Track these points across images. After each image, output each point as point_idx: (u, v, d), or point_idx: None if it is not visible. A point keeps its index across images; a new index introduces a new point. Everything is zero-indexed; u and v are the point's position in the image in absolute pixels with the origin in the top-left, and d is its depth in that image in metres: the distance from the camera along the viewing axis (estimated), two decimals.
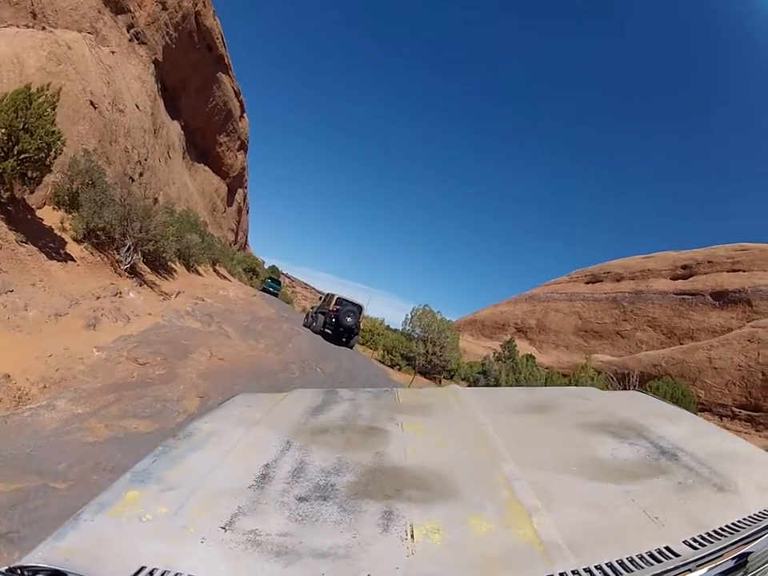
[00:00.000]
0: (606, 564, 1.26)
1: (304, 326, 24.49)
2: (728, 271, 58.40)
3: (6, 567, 1.29)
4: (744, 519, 1.48)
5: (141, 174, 24.59)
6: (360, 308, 23.41)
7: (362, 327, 27.25)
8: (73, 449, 6.15)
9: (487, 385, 34.34)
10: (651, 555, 1.30)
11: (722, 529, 1.42)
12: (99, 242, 16.17)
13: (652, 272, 68.97)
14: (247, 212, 79.14)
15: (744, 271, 56.65)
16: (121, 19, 27.16)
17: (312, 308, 27.51)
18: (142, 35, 29.12)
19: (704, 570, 1.26)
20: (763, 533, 1.40)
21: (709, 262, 61.60)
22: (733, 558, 1.30)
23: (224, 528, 1.41)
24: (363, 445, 1.99)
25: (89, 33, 23.58)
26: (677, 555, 1.29)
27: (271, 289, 47.02)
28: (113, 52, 25.54)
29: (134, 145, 23.88)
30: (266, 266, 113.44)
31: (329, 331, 22.41)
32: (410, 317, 40.03)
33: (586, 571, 1.24)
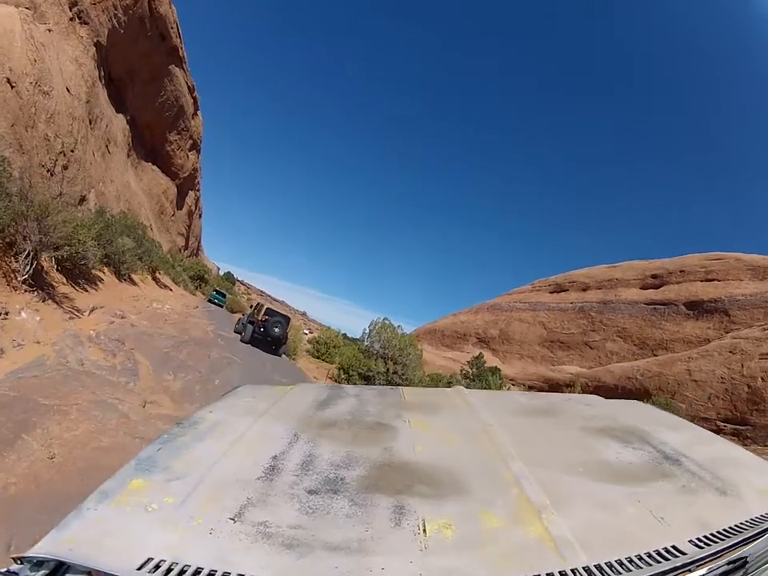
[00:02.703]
0: (616, 561, 1.28)
1: (235, 332, 24.68)
2: (702, 281, 57.64)
3: (12, 558, 1.24)
4: (745, 522, 1.53)
5: (65, 167, 21.24)
6: (288, 319, 24.51)
7: (315, 338, 30.22)
8: None
9: None
10: (659, 553, 1.32)
11: (725, 530, 1.46)
12: None
13: (620, 281, 67.88)
14: (200, 216, 75.58)
15: (719, 280, 55.87)
16: None
17: (243, 315, 27.24)
18: (85, 14, 25.89)
19: (708, 569, 1.30)
20: (763, 535, 1.46)
21: (681, 271, 60.79)
22: (734, 558, 1.35)
23: (233, 519, 1.38)
24: (371, 440, 1.96)
25: (27, 8, 20.63)
26: (683, 554, 1.33)
27: (216, 301, 46.09)
28: (49, 30, 22.28)
29: (59, 133, 20.57)
30: (222, 273, 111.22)
31: (258, 339, 22.98)
32: (368, 331, 37.32)
33: (597, 568, 1.25)
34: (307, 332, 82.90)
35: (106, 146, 30.85)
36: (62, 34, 23.78)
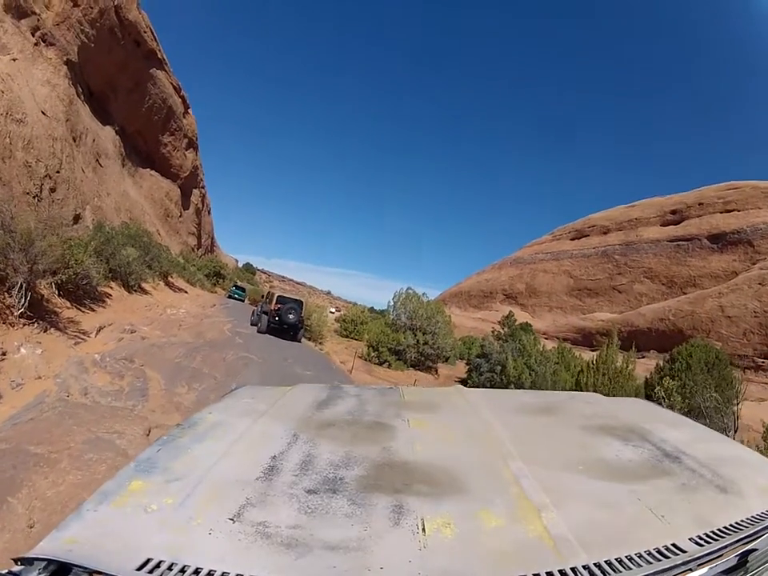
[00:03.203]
0: (616, 559, 1.27)
1: (251, 324, 24.39)
2: (721, 212, 56.16)
3: (13, 559, 1.25)
4: (746, 519, 1.52)
5: (52, 190, 20.73)
6: (300, 303, 24.37)
7: (341, 316, 30.06)
8: None
9: (491, 370, 30.98)
10: (659, 551, 1.32)
11: (725, 528, 1.45)
12: None
13: (639, 221, 66.45)
14: (209, 212, 75.07)
15: (738, 210, 54.47)
16: (24, 23, 23.66)
17: (256, 306, 26.99)
18: (49, 36, 25.24)
19: (708, 567, 1.29)
20: (764, 532, 1.45)
21: (699, 204, 59.19)
22: (736, 556, 1.34)
23: (232, 519, 1.38)
24: (370, 439, 1.96)
25: None
26: (683, 552, 1.32)
27: (236, 296, 46.13)
28: (14, 59, 21.83)
29: (40, 157, 20.05)
30: (241, 265, 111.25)
31: (275, 328, 22.79)
32: (392, 303, 36.51)
33: (596, 566, 1.25)
34: (333, 311, 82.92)
35: (96, 160, 30.32)
36: (29, 61, 23.29)
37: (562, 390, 21.25)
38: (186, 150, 55.68)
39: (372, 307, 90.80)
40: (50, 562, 1.21)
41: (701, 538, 1.39)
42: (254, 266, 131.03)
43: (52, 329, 13.25)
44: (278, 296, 24.17)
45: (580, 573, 1.22)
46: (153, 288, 26.05)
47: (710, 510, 1.57)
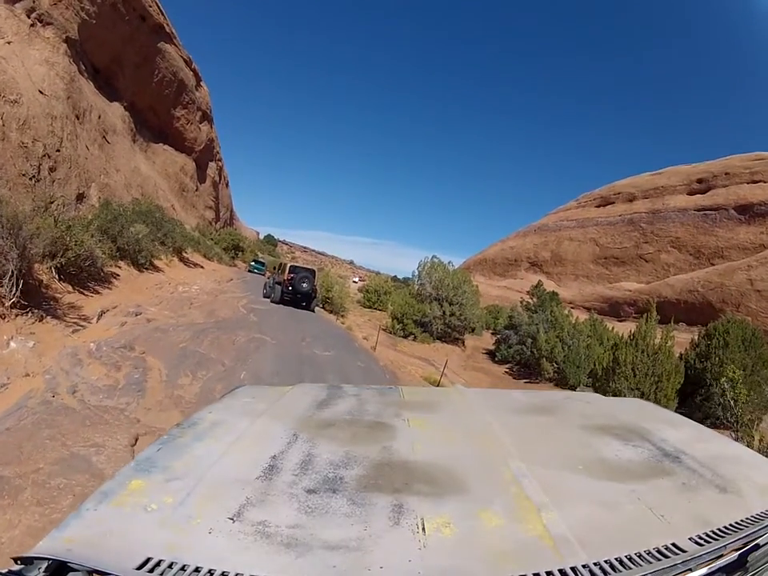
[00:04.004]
0: (616, 559, 1.26)
1: (264, 296, 24.24)
2: (748, 183, 54.70)
3: (12, 558, 1.24)
4: (746, 519, 1.50)
5: (52, 169, 19.75)
6: (313, 272, 24.20)
7: (364, 286, 29.64)
8: None
9: (521, 342, 29.69)
10: (659, 551, 1.31)
11: (725, 527, 1.44)
12: None
13: (666, 189, 64.62)
14: (227, 185, 73.98)
15: (765, 182, 53.01)
16: (19, 6, 22.89)
17: (269, 278, 26.81)
18: (46, 16, 24.31)
19: (708, 567, 1.29)
20: (764, 532, 1.43)
21: (726, 173, 57.53)
22: (736, 556, 1.33)
23: (232, 519, 1.37)
24: (370, 439, 1.95)
25: None
26: (683, 551, 1.31)
27: (256, 270, 45.96)
28: (9, 42, 21.14)
29: (37, 136, 19.13)
30: (262, 237, 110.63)
31: (288, 299, 22.90)
32: (417, 272, 35.24)
33: (596, 566, 1.24)
34: (356, 280, 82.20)
35: (103, 136, 29.24)
36: (24, 42, 22.50)
37: (596, 366, 20.79)
38: (200, 123, 54.40)
39: (395, 276, 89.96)
40: (49, 561, 1.18)
41: (701, 538, 1.36)
42: (276, 237, 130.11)
43: (49, 317, 12.19)
44: (291, 266, 24.10)
45: (580, 572, 1.20)
46: (166, 265, 25.10)
47: (709, 509, 1.54)
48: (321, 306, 29.96)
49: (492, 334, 39.72)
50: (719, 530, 1.42)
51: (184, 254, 30.66)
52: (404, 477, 1.63)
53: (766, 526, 1.46)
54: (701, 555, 1.29)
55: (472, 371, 26.44)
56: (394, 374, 15.03)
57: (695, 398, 19.47)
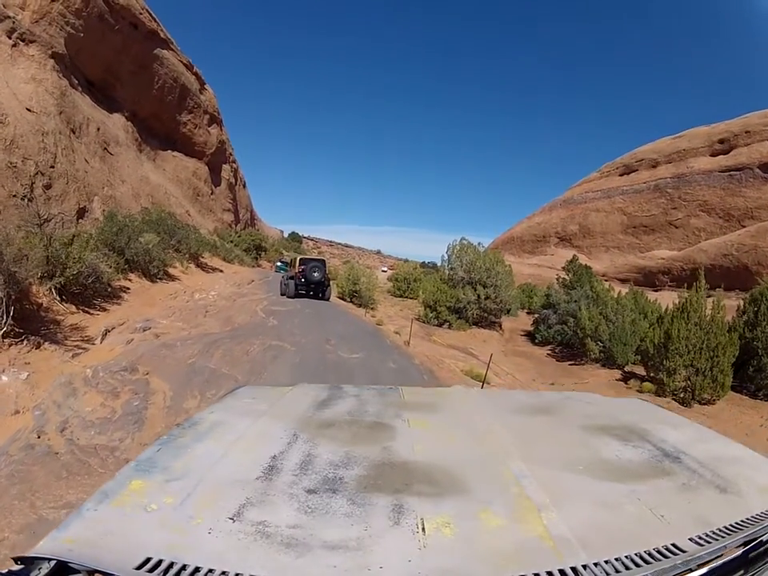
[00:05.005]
0: (616, 559, 1.24)
1: (281, 294, 23.87)
2: None
3: (13, 558, 1.22)
4: (746, 519, 1.48)
5: (47, 186, 19.01)
6: (323, 262, 24.51)
7: (393, 275, 29.85)
8: None
9: (561, 322, 28.05)
10: (659, 551, 1.29)
11: (725, 528, 1.42)
12: None
13: (688, 152, 62.97)
14: (244, 186, 73.13)
15: None
16: None
17: (283, 276, 26.71)
18: (28, 34, 23.63)
19: (708, 567, 1.27)
20: (765, 532, 1.41)
21: (746, 132, 56.21)
22: (736, 556, 1.32)
23: (232, 519, 1.35)
24: (370, 439, 1.93)
25: None
26: (683, 552, 1.30)
27: (282, 271, 44.18)
28: None
29: (27, 155, 18.45)
30: (286, 235, 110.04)
31: (302, 291, 23.03)
32: (446, 256, 33.74)
33: (596, 566, 1.22)
34: (385, 269, 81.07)
35: (104, 148, 28.46)
36: (7, 63, 21.89)
37: (645, 343, 19.54)
38: (209, 126, 53.39)
39: (424, 262, 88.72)
40: (50, 561, 1.17)
41: (701, 538, 1.34)
42: (301, 234, 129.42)
43: (47, 343, 11.17)
44: (300, 258, 24.49)
45: (580, 573, 1.19)
46: (182, 272, 24.30)
47: (710, 510, 1.51)
48: (349, 299, 29.14)
49: (527, 313, 38.34)
50: (719, 530, 1.39)
51: (201, 260, 29.82)
52: (404, 477, 1.60)
53: (766, 527, 1.41)
54: (701, 555, 1.27)
55: (513, 356, 24.80)
56: (432, 372, 13.29)
57: (747, 370, 18.03)
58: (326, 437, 1.93)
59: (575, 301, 27.92)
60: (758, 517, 1.49)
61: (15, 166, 17.63)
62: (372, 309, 27.19)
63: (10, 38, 22.60)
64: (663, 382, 17.69)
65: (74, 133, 24.31)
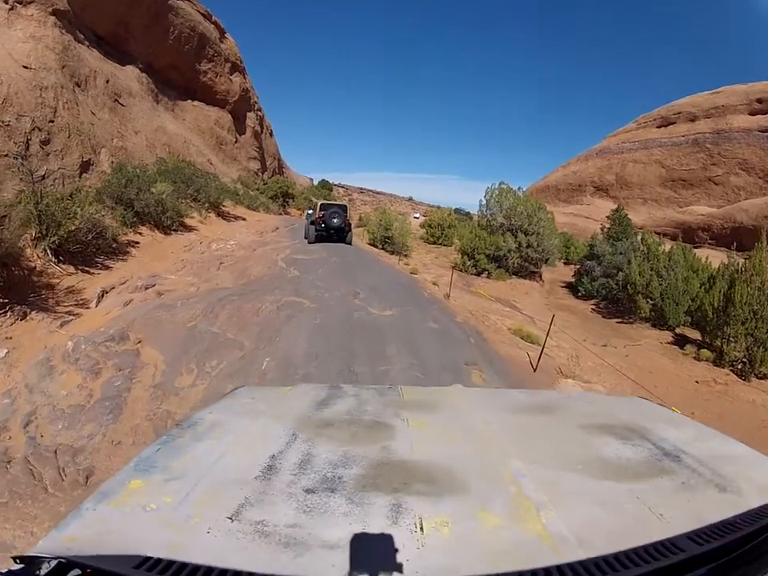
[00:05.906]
0: (615, 558, 1.21)
1: (304, 238, 23.82)
2: None
3: (12, 558, 1.20)
4: (746, 518, 1.44)
5: (45, 142, 17.89)
6: (344, 207, 24.69)
7: (426, 221, 30.64)
8: None
9: (606, 275, 26.32)
10: (658, 550, 1.25)
11: (725, 526, 1.38)
12: None
13: (726, 108, 61.11)
14: (270, 134, 71.08)
15: None
16: None
17: (306, 221, 26.33)
18: None
19: (707, 566, 1.26)
20: (764, 531, 1.38)
21: None
22: (735, 555, 1.30)
23: (231, 518, 1.34)
24: (369, 439, 1.87)
25: None
26: (682, 550, 1.26)
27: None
28: None
29: (22, 112, 17.52)
30: (317, 183, 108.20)
31: (324, 235, 22.87)
32: (485, 201, 31.64)
33: (595, 565, 1.18)
34: (418, 216, 79.06)
35: (115, 100, 27.24)
36: (3, 26, 20.94)
37: (700, 304, 18.73)
38: (231, 75, 51.62)
39: (457, 208, 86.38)
40: (49, 560, 1.15)
41: (700, 537, 1.30)
42: (331, 182, 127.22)
43: (34, 312, 9.79)
44: (321, 203, 24.27)
45: (578, 570, 1.15)
46: (200, 222, 23.09)
47: (709, 508, 1.46)
48: (381, 246, 27.89)
49: (564, 264, 36.39)
50: (719, 529, 1.34)
51: (223, 208, 28.41)
52: (403, 476, 1.56)
53: (765, 525, 1.37)
54: (700, 554, 1.24)
55: (556, 310, 22.67)
56: (480, 333, 11.22)
57: None
58: (324, 436, 1.85)
59: (621, 253, 26.19)
60: (757, 516, 1.40)
61: (8, 125, 16.75)
62: (406, 256, 25.68)
63: (6, 3, 21.69)
64: (722, 350, 16.20)
65: (78, 86, 23.27)
